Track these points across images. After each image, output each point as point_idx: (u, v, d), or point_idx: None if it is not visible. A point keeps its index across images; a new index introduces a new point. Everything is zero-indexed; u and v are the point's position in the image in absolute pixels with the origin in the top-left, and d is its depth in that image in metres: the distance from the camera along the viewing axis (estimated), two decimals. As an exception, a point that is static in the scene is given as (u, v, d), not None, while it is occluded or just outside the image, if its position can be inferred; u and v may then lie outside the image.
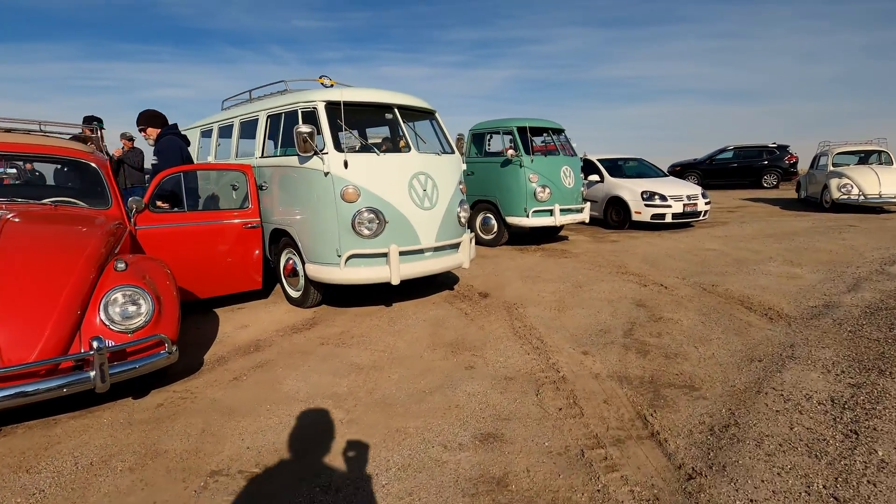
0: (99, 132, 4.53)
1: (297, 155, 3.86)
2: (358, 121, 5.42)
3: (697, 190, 9.00)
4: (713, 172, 17.34)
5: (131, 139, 6.40)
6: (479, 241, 7.52)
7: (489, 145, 7.72)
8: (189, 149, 4.63)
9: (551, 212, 6.89)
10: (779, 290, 4.68)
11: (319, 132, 3.84)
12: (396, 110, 4.25)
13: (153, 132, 4.35)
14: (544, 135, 7.82)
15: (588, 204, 7.54)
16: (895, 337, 3.45)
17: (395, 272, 3.81)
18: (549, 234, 8.23)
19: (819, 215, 10.30)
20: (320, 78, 4.59)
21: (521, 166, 6.81)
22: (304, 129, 3.62)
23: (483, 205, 7.42)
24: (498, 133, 7.45)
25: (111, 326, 2.55)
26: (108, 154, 4.81)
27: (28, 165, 4.67)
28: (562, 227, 7.89)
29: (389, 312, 4.26)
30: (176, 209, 3.87)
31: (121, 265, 2.71)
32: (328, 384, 2.92)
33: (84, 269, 2.62)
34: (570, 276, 5.49)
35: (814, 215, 10.33)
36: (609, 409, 2.61)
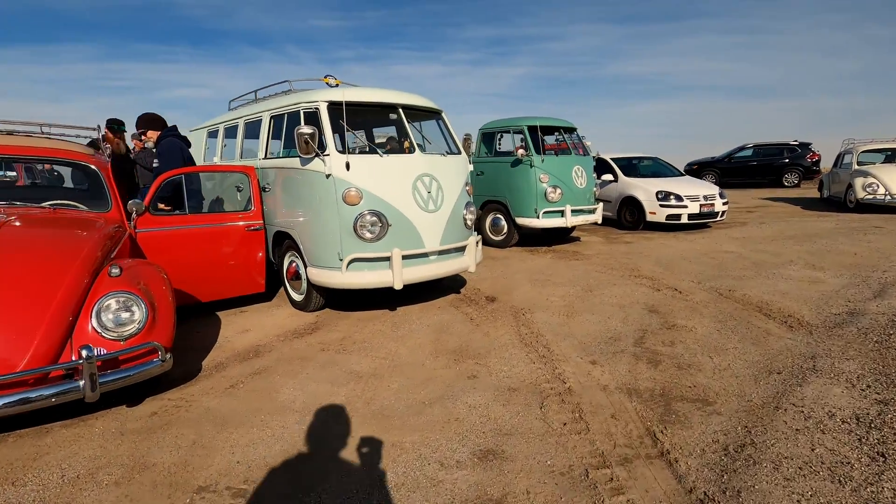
0: (121, 135, 4.57)
1: (299, 156, 3.78)
2: (363, 121, 5.35)
3: (715, 189, 8.75)
4: (731, 171, 16.93)
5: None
6: (489, 243, 7.40)
7: (499, 145, 7.59)
8: (191, 150, 4.59)
9: (562, 212, 6.74)
10: (799, 296, 4.48)
11: (321, 133, 3.76)
12: (401, 110, 4.15)
13: (153, 135, 4.32)
14: (556, 134, 7.65)
15: (601, 204, 7.37)
16: (925, 348, 3.25)
17: (397, 277, 3.72)
18: (560, 235, 8.07)
19: (843, 216, 9.95)
20: (325, 77, 4.51)
21: (531, 166, 6.67)
22: (306, 129, 3.55)
23: (493, 205, 7.30)
24: (508, 132, 7.32)
25: (103, 333, 2.49)
26: (129, 156, 4.80)
27: (46, 167, 4.68)
28: (573, 227, 7.72)
29: (393, 317, 4.17)
30: (177, 212, 3.83)
31: (115, 270, 2.66)
32: (326, 393, 2.84)
33: (77, 274, 2.57)
34: (581, 279, 5.35)
35: (837, 216, 9.98)
36: (617, 424, 2.48)
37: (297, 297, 4.30)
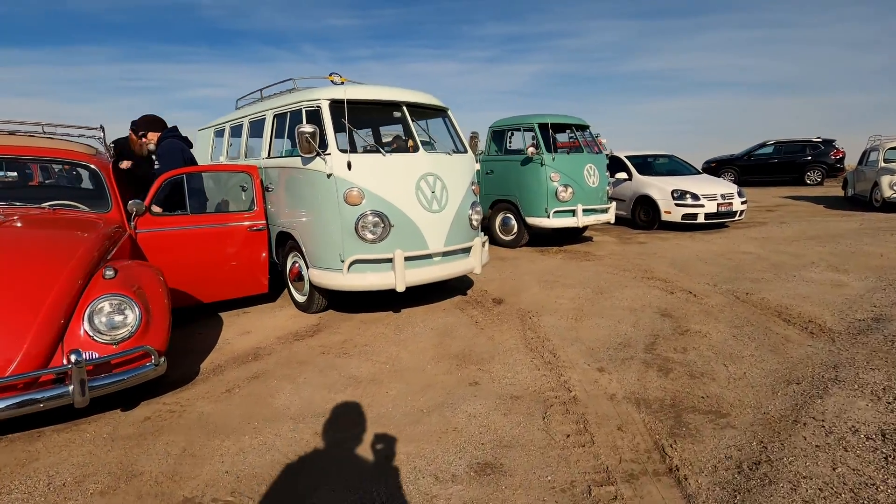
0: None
1: (301, 156, 3.71)
2: (370, 119, 5.27)
3: (733, 188, 8.49)
4: (751, 169, 16.50)
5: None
6: (499, 243, 7.28)
7: (510, 143, 7.45)
8: (198, 149, 4.56)
9: (574, 212, 6.59)
10: (821, 300, 4.28)
11: (323, 132, 3.69)
12: (405, 108, 4.05)
13: (154, 136, 4.30)
14: (567, 131, 7.49)
15: (614, 203, 7.19)
16: (958, 358, 3.05)
17: (400, 279, 3.63)
18: (572, 235, 7.91)
19: (868, 215, 9.59)
20: (330, 75, 4.45)
21: (541, 164, 6.53)
22: (307, 128, 3.48)
23: (503, 204, 7.17)
24: (519, 130, 7.18)
25: (95, 337, 2.45)
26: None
27: (64, 167, 4.68)
28: (585, 227, 7.56)
29: (397, 319, 4.08)
30: (178, 212, 3.79)
31: (109, 272, 2.62)
32: (322, 399, 2.77)
33: (70, 276, 2.53)
34: (592, 280, 5.20)
35: (862, 215, 9.62)
36: (623, 437, 2.36)
37: (300, 299, 4.25)
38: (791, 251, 6.36)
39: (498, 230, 7.27)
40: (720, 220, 8.28)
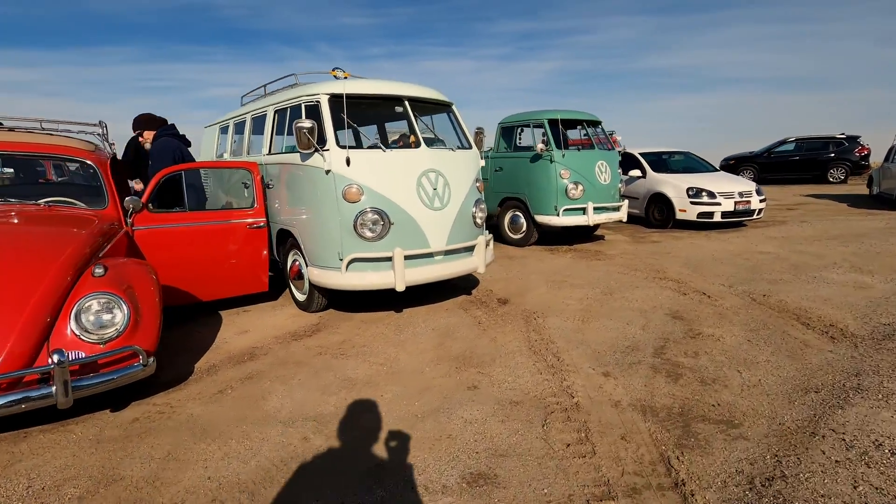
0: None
1: (299, 152, 3.63)
2: (374, 115, 5.18)
3: (751, 186, 8.23)
4: (772, 166, 16.05)
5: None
6: (507, 241, 7.15)
7: (519, 139, 7.30)
8: (203, 146, 4.52)
9: (584, 210, 6.42)
10: (843, 303, 4.07)
11: (322, 127, 3.60)
12: (407, 103, 3.95)
13: (149, 135, 4.26)
14: (578, 127, 7.31)
15: (626, 202, 6.99)
16: None
17: (399, 278, 3.53)
18: (583, 234, 7.74)
19: (894, 214, 9.22)
20: (333, 70, 4.36)
21: (551, 161, 6.37)
22: (305, 123, 3.39)
23: (512, 202, 7.03)
24: (528, 126, 7.02)
25: (82, 336, 2.40)
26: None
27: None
28: (597, 226, 7.38)
29: (398, 319, 3.99)
30: (176, 209, 3.74)
31: (99, 270, 2.57)
32: (314, 402, 2.68)
33: (58, 273, 2.48)
34: (601, 280, 5.04)
35: (888, 214, 9.24)
36: (627, 447, 2.23)
37: (300, 298, 4.18)
38: (812, 251, 6.11)
39: (507, 228, 7.13)
40: (738, 219, 8.02)
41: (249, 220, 4.00)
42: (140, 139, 4.32)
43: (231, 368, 3.13)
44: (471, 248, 4.04)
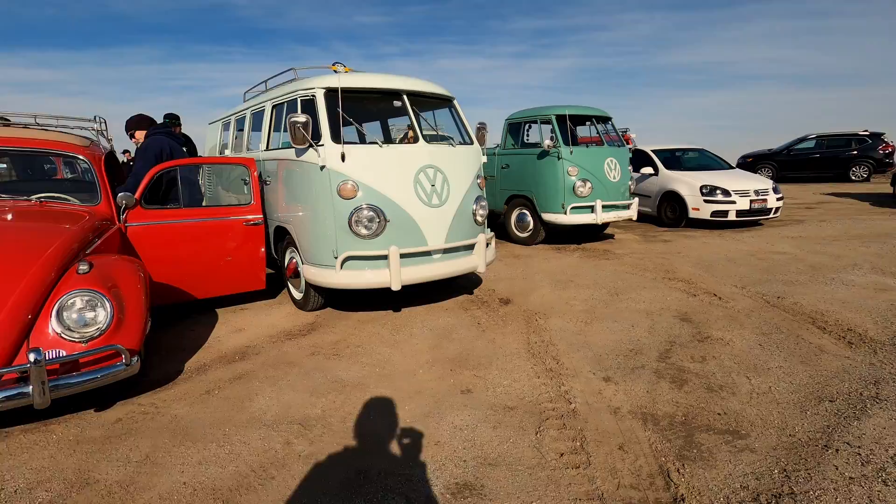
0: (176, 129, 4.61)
1: (294, 147, 3.56)
2: (376, 111, 5.10)
3: (768, 184, 7.97)
4: (791, 164, 15.61)
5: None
6: (514, 240, 7.01)
7: (527, 136, 7.16)
8: (203, 143, 4.47)
9: (592, 208, 6.25)
10: (863, 306, 3.87)
11: (317, 122, 3.52)
12: (406, 97, 3.85)
13: (141, 135, 4.24)
14: (588, 123, 7.14)
15: (636, 200, 6.80)
16: None
17: (395, 277, 3.43)
18: (592, 233, 7.56)
19: (919, 213, 8.87)
20: (333, 65, 4.28)
21: (558, 158, 6.22)
22: (299, 118, 3.31)
23: (519, 200, 6.89)
24: (536, 122, 6.87)
25: (63, 334, 2.34)
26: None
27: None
28: (606, 224, 7.21)
29: (395, 319, 3.90)
30: (171, 205, 3.69)
31: (83, 267, 2.51)
32: (302, 404, 2.60)
33: (41, 270, 2.43)
34: (608, 281, 4.89)
35: (913, 213, 8.90)
36: (624, 457, 2.10)
37: (297, 296, 4.11)
38: (831, 251, 5.87)
39: (513, 226, 7.00)
40: (753, 218, 7.78)
41: (246, 217, 3.93)
42: (133, 140, 4.30)
43: (221, 368, 3.06)
44: (470, 247, 3.93)
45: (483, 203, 4.05)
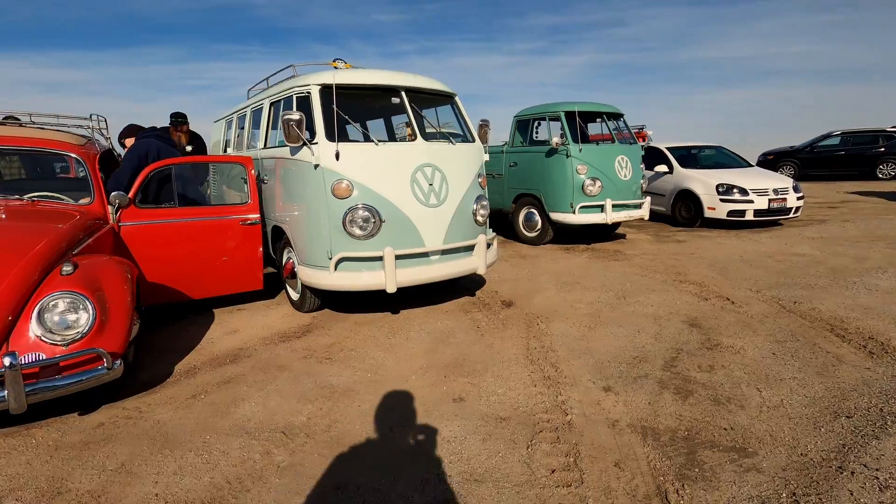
0: (182, 129, 4.61)
1: (289, 146, 3.48)
2: (380, 108, 5.00)
3: (787, 182, 7.67)
4: (814, 162, 15.09)
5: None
6: (522, 239, 6.87)
7: (535, 133, 6.99)
8: (208, 142, 4.44)
9: (602, 207, 6.08)
10: (886, 313, 3.66)
11: (312, 119, 3.43)
12: (404, 94, 3.74)
13: (130, 142, 4.24)
14: (598, 120, 6.95)
15: (648, 199, 6.59)
16: None
17: (390, 278, 3.33)
18: (602, 233, 7.37)
19: (950, 213, 8.46)
20: (334, 61, 4.20)
21: (567, 156, 6.05)
22: (293, 116, 3.23)
23: (527, 199, 6.74)
24: (544, 119, 6.71)
25: (44, 337, 2.30)
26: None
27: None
28: (617, 224, 7.02)
29: (393, 322, 3.80)
30: (165, 204, 3.65)
31: (67, 268, 2.46)
32: (287, 411, 2.52)
33: (23, 270, 2.39)
34: (616, 283, 4.73)
35: (943, 213, 8.50)
36: (620, 476, 1.97)
37: (294, 297, 4.04)
38: (853, 254, 5.61)
39: (521, 226, 6.85)
40: (772, 218, 7.50)
41: (243, 216, 3.87)
42: (124, 150, 4.31)
43: (210, 371, 3.00)
44: (470, 248, 3.81)
45: (484, 203, 3.92)
